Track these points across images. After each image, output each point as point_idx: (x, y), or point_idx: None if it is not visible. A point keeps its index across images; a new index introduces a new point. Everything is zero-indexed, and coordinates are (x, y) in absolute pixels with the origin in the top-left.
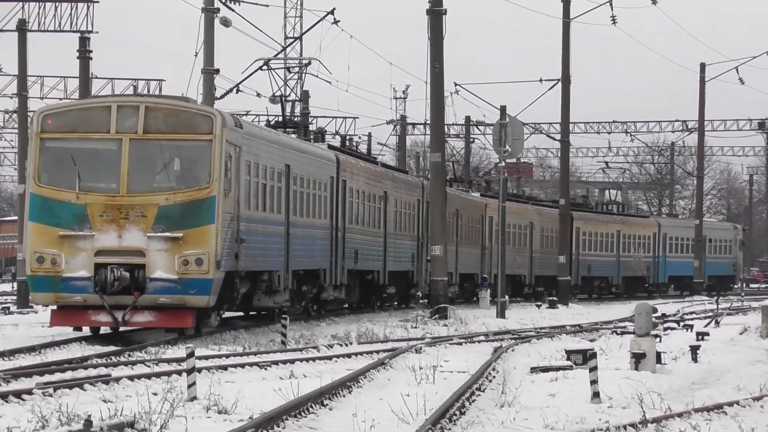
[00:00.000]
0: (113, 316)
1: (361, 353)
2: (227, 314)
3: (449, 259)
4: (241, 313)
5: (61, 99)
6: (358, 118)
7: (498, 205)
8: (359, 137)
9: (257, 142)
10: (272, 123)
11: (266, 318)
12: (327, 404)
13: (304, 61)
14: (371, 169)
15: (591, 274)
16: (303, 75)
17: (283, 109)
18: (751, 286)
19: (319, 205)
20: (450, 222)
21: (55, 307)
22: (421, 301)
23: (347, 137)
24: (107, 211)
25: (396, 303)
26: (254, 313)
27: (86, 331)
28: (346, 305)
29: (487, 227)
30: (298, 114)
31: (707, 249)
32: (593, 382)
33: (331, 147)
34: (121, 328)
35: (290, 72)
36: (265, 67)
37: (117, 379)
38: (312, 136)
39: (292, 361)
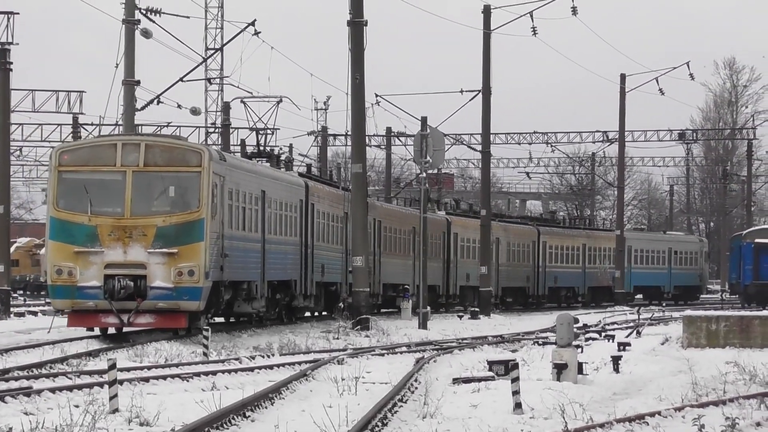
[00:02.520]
0: (120, 318)
1: (283, 365)
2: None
3: (406, 272)
4: (222, 319)
5: None
6: (279, 129)
7: (469, 223)
8: (281, 148)
9: (238, 172)
10: (249, 153)
11: (245, 323)
12: (249, 416)
13: (275, 99)
14: (334, 192)
15: (557, 285)
16: (275, 110)
17: (258, 141)
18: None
19: (291, 224)
20: (406, 239)
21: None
22: (344, 312)
23: (309, 165)
24: (114, 231)
25: None
26: (233, 320)
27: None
28: (308, 313)
29: (452, 242)
30: (220, 126)
31: (674, 261)
32: (515, 392)
33: (300, 174)
34: (126, 329)
35: (210, 83)
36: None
37: (39, 392)
38: (283, 165)
39: (214, 373)
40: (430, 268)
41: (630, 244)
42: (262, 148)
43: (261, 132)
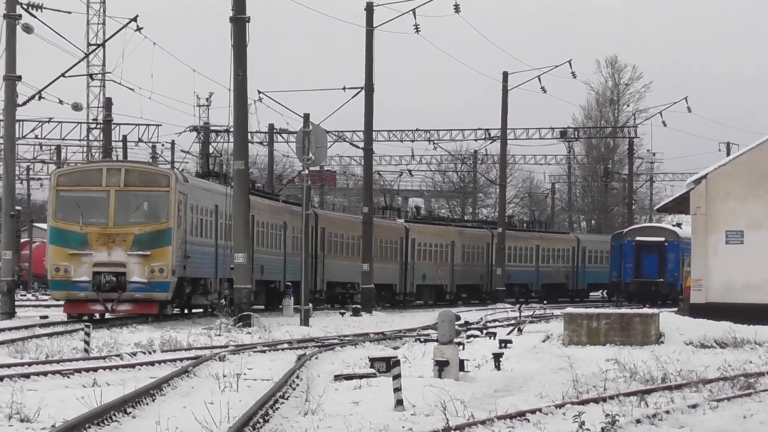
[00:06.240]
0: (105, 306)
1: (164, 361)
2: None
3: (354, 272)
4: (179, 310)
5: None
6: (161, 125)
7: (427, 229)
8: (163, 145)
9: (197, 191)
10: (201, 173)
11: (201, 313)
12: (130, 412)
13: (221, 127)
14: (274, 205)
15: (511, 282)
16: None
17: (207, 163)
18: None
19: None
20: (354, 243)
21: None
22: (226, 308)
23: (254, 182)
24: (101, 237)
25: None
26: (187, 311)
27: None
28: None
29: (410, 246)
30: (101, 122)
31: None
32: (397, 389)
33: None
34: (108, 315)
35: (92, 79)
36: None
37: None
38: (231, 183)
39: (95, 369)
40: (386, 269)
41: (584, 246)
42: (212, 168)
43: (212, 155)
